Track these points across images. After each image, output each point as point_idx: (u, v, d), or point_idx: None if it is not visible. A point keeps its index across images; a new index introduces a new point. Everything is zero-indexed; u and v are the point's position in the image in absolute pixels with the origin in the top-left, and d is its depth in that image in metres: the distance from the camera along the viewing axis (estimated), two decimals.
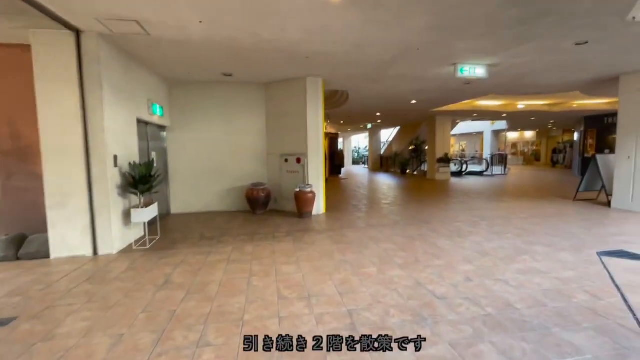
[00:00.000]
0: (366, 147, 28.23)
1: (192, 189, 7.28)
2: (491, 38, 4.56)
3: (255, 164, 7.53)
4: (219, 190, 7.40)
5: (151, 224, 5.34)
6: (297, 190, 6.50)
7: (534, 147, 28.72)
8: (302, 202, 6.47)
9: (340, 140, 28.01)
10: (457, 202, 8.34)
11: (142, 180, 4.66)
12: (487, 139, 26.03)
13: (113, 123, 4.48)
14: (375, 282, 3.33)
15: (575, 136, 17.17)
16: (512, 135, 28.61)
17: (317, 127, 6.85)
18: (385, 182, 14.02)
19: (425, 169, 16.42)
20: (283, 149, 7.23)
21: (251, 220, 6.43)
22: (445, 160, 14.46)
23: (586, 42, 4.73)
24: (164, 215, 6.96)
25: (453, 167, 15.95)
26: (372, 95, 9.19)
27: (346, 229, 5.60)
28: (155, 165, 5.15)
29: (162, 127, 6.83)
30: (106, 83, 4.33)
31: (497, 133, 26.01)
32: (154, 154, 6.36)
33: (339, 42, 4.66)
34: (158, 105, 6.19)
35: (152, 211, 4.94)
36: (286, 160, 7.18)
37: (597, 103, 13.05)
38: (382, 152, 22.95)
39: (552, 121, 18.42)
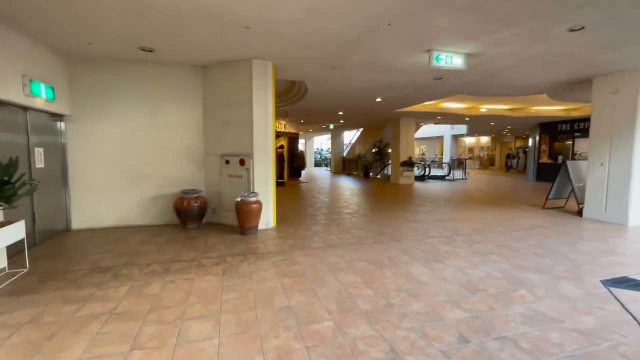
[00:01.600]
0: (329, 149, 27.36)
1: (102, 197, 5.63)
2: (478, 12, 3.63)
3: (190, 166, 6.06)
4: (141, 199, 5.83)
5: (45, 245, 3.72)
6: (239, 200, 5.18)
7: (489, 152, 29.79)
8: (245, 215, 5.15)
9: (302, 141, 26.86)
10: (426, 210, 7.51)
11: None
12: (447, 143, 26.41)
13: None
14: (330, 355, 2.16)
15: (530, 142, 17.58)
16: (469, 141, 29.43)
17: (265, 122, 5.58)
18: (348, 186, 13.07)
19: (389, 173, 15.79)
20: (224, 148, 5.86)
21: (177, 239, 4.98)
22: (410, 164, 13.87)
23: (582, 28, 3.99)
24: (60, 232, 5.25)
25: (417, 171, 15.48)
26: (333, 90, 8.12)
27: (298, 251, 4.40)
28: (17, 168, 3.54)
29: (56, 116, 5.13)
30: None
31: (456, 138, 26.49)
32: (40, 152, 4.67)
33: (288, 5, 3.46)
34: (44, 85, 4.53)
35: (6, 235, 3.34)
36: (227, 162, 5.82)
37: (554, 110, 13.21)
38: (345, 154, 22.15)
39: (509, 127, 18.80)
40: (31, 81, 4.24)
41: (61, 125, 5.28)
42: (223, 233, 5.37)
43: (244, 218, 5.17)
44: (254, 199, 5.22)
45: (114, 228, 5.64)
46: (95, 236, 5.14)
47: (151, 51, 4.96)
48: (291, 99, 9.66)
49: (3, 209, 3.49)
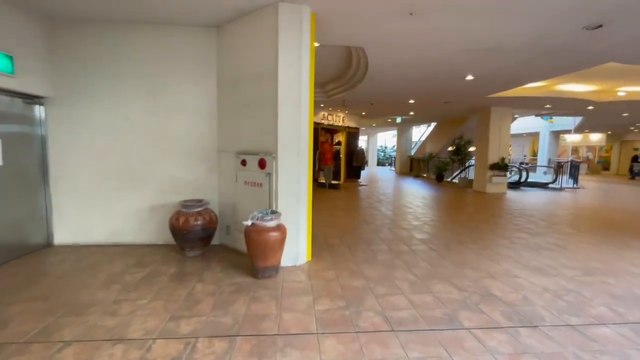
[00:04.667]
0: (393, 146, 24.53)
1: (91, 204, 4.31)
2: None
3: (198, 166, 4.42)
4: (136, 208, 4.37)
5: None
6: (248, 223, 3.31)
7: (602, 153, 23.67)
8: (257, 247, 3.27)
9: (363, 137, 24.55)
10: (550, 244, 4.77)
11: None
12: (544, 141, 21.40)
13: None
14: None
15: None
16: (572, 138, 23.64)
17: (298, 103, 3.62)
18: (418, 193, 10.49)
19: (470, 177, 12.66)
20: (240, 142, 4.07)
21: (158, 278, 3.33)
22: (502, 167, 10.68)
23: None
24: (36, 247, 4.04)
25: (509, 176, 12.06)
26: (404, 64, 5.79)
27: (334, 335, 2.35)
28: None
29: (30, 98, 3.89)
30: None
31: (557, 134, 21.31)
32: None
33: None
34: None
35: None
36: (243, 163, 4.01)
37: None
38: (412, 153, 19.25)
39: None
40: None
41: (38, 111, 4.05)
42: (228, 268, 3.58)
43: (255, 252, 3.30)
44: (272, 223, 3.30)
45: (102, 246, 4.28)
46: (66, 259, 3.78)
47: None
48: (348, 81, 7.57)
49: None
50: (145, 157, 4.32)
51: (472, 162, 12.69)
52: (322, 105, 10.87)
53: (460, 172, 13.65)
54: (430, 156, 15.62)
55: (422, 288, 3.20)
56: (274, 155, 3.62)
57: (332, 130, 13.25)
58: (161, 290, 3.03)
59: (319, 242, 4.51)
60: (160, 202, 4.37)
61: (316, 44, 4.26)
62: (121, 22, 4.09)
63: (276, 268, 3.44)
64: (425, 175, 16.17)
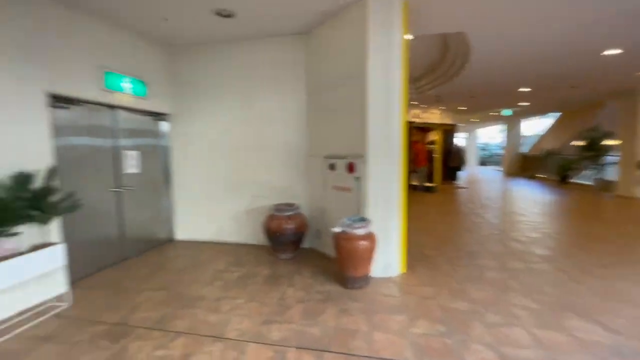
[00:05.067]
0: (500, 143, 21.52)
1: (201, 207, 4.88)
2: None
3: (288, 172, 4.55)
4: (235, 211, 4.76)
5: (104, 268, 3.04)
6: (337, 231, 3.20)
7: None
8: (346, 256, 3.13)
9: (460, 135, 22.29)
10: None
11: None
12: None
13: None
14: None
15: None
16: None
17: (387, 105, 3.35)
18: (535, 197, 8.85)
19: (610, 178, 10.06)
20: (329, 146, 4.02)
21: (254, 278, 3.50)
22: None
23: None
24: (163, 242, 4.78)
25: None
26: (520, 43, 4.88)
27: None
28: (52, 179, 2.78)
29: (156, 115, 4.63)
30: None
31: None
32: (134, 155, 4.17)
33: None
34: (129, 78, 3.94)
35: (19, 269, 2.56)
36: (332, 167, 3.94)
37: None
38: (523, 149, 16.50)
39: None
40: (106, 73, 3.64)
41: (163, 126, 4.79)
42: (318, 274, 3.54)
43: (344, 261, 3.16)
44: (361, 231, 3.11)
45: (211, 243, 4.80)
46: (182, 255, 4.34)
47: (230, 16, 3.63)
48: (444, 74, 6.87)
49: (43, 225, 2.80)
50: (241, 164, 4.67)
51: (610, 158, 10.08)
52: (414, 102, 10.19)
53: (594, 171, 10.98)
54: (548, 154, 13.07)
55: (549, 321, 2.55)
56: (363, 158, 3.43)
57: (425, 129, 12.33)
58: (256, 292, 3.15)
59: (414, 253, 4.12)
60: (255, 205, 4.66)
61: (408, 37, 3.91)
62: (222, 42, 4.51)
63: (366, 279, 3.24)
64: (542, 176, 13.63)
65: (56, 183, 2.90)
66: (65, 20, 3.21)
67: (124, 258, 4.11)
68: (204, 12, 3.55)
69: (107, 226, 3.89)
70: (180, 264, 3.99)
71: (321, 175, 4.16)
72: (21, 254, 2.59)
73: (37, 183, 2.75)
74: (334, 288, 3.21)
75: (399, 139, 3.41)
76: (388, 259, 3.46)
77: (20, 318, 2.68)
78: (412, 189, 10.44)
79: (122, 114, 4.04)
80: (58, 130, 3.20)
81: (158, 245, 4.70)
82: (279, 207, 4.10)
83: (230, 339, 2.37)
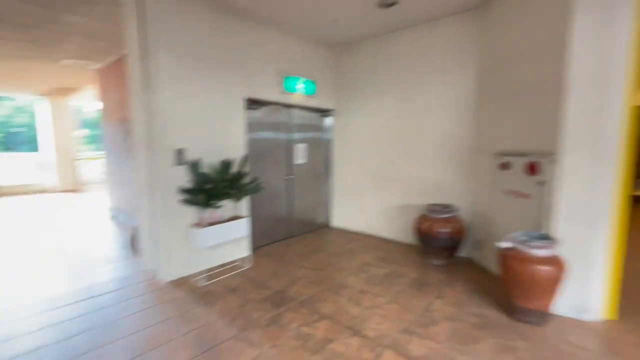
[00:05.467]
0: None
1: (353, 198, 5.09)
2: None
3: (447, 167, 4.05)
4: (386, 206, 4.68)
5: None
6: (507, 246, 2.57)
7: None
8: (517, 281, 2.48)
9: None
10: None
11: (201, 188, 3.18)
12: None
13: (180, 104, 3.26)
14: None
15: None
16: None
17: (602, 79, 2.37)
18: None
19: None
20: (501, 140, 3.28)
21: (400, 279, 3.33)
22: None
23: None
24: (320, 226, 5.31)
25: None
26: None
27: None
28: (231, 168, 3.50)
29: (322, 111, 5.09)
30: (165, 49, 3.12)
31: None
32: (301, 148, 4.78)
33: None
34: (302, 80, 4.48)
35: (220, 233, 3.37)
36: (504, 167, 3.20)
37: None
38: None
39: None
40: (285, 78, 4.24)
41: (325, 121, 5.22)
42: (474, 292, 3.00)
43: (513, 285, 2.52)
44: (542, 252, 2.39)
45: (361, 234, 4.95)
46: (335, 241, 4.66)
47: (393, 4, 3.47)
48: None
49: (236, 202, 3.60)
50: (395, 158, 4.51)
51: None
52: None
53: None
54: None
55: None
56: (552, 156, 2.60)
57: None
58: (399, 294, 2.99)
59: (633, 295, 2.86)
60: (407, 202, 4.42)
61: None
62: (382, 35, 4.42)
63: (543, 314, 2.49)
64: None
65: (246, 169, 3.65)
66: (256, 35, 3.93)
67: (290, 236, 4.80)
68: (367, 6, 3.56)
69: (280, 207, 4.63)
70: (333, 249, 4.30)
71: (489, 175, 3.48)
72: (223, 221, 3.42)
73: (235, 169, 3.54)
74: (494, 314, 2.64)
75: (619, 131, 2.38)
76: (585, 297, 2.53)
77: (220, 269, 3.56)
78: (636, 202, 7.39)
79: (295, 112, 4.66)
80: (249, 127, 4.00)
81: (316, 228, 5.24)
82: (433, 208, 3.72)
83: (368, 337, 2.33)
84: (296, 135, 4.72)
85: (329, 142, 5.27)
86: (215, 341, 2.30)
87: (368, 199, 4.88)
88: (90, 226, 5.51)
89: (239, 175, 3.49)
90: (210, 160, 3.45)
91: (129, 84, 3.46)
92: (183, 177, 3.27)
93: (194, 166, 3.22)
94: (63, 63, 5.84)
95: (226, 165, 3.42)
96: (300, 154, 4.83)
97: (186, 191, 3.13)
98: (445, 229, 3.56)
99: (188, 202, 3.16)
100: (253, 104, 4.04)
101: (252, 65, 3.89)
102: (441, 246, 3.61)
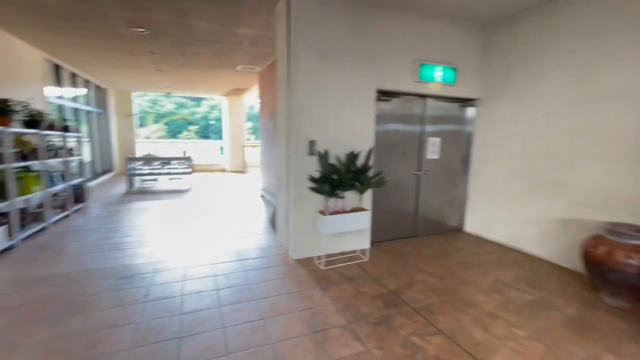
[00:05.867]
0: None
1: (496, 202, 4.31)
2: None
3: None
4: (541, 217, 3.74)
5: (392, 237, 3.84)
6: None
7: None
8: None
9: None
10: None
11: (327, 178, 3.34)
12: None
13: (315, 97, 3.49)
14: None
15: None
16: None
17: None
18: None
19: None
20: None
21: (554, 314, 2.62)
22: None
23: None
24: (450, 230, 4.79)
25: None
26: None
27: None
28: (357, 161, 3.48)
29: (462, 101, 4.48)
30: (304, 46, 3.37)
31: None
32: (435, 142, 4.39)
33: None
34: (441, 67, 4.05)
35: (342, 223, 3.46)
36: None
37: None
38: None
39: None
40: (421, 66, 3.92)
41: (468, 112, 4.57)
42: None
43: None
44: None
45: (500, 245, 4.18)
46: (467, 249, 4.09)
47: None
48: None
49: (360, 194, 3.64)
50: (561, 158, 3.51)
51: None
52: None
53: None
54: None
55: None
56: None
57: None
58: (547, 332, 2.37)
59: None
60: (573, 216, 3.41)
61: None
62: (546, 5, 3.44)
63: None
64: None
65: (371, 162, 3.62)
66: (391, 24, 3.76)
67: (413, 235, 4.52)
68: None
69: (405, 203, 4.41)
70: (462, 257, 3.79)
71: None
72: (345, 212, 3.52)
73: (360, 161, 3.56)
74: None
75: None
76: None
77: (340, 257, 3.71)
78: None
79: (430, 102, 4.27)
80: (378, 119, 3.93)
81: (445, 231, 4.74)
82: (617, 229, 2.73)
83: None
84: (429, 128, 4.34)
85: (469, 135, 4.61)
86: (325, 325, 2.41)
87: (515, 205, 4.04)
88: (247, 201, 6.75)
89: (364, 169, 3.49)
90: (338, 152, 3.59)
91: (277, 81, 3.96)
92: (313, 167, 3.53)
93: (323, 157, 3.41)
94: (237, 69, 7.24)
95: (352, 157, 3.48)
96: (433, 148, 4.42)
97: (314, 180, 3.37)
98: (634, 260, 2.56)
99: (315, 190, 3.40)
100: (384, 95, 3.93)
101: (385, 55, 3.77)
102: (624, 282, 2.62)
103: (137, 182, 8.50)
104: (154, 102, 25.44)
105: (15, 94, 4.48)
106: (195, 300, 2.73)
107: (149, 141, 17.76)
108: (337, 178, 3.34)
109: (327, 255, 3.68)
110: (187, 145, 17.45)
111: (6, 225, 3.75)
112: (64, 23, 4.53)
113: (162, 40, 5.25)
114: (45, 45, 5.65)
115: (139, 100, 20.48)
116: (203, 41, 5.30)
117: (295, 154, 3.53)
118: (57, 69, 6.84)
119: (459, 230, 4.84)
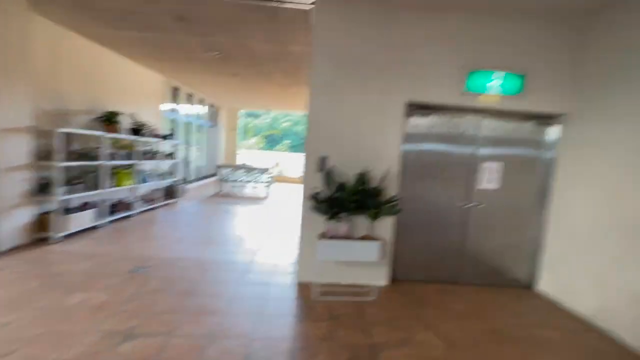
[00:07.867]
0: None
1: (585, 258, 3.07)
2: None
3: None
4: None
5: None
6: None
7: None
8: None
9: None
10: None
11: (326, 197, 3.03)
12: None
13: (330, 110, 3.25)
14: None
15: None
16: None
17: None
18: None
19: None
20: None
21: None
22: None
23: None
24: (516, 284, 3.66)
25: None
26: None
27: None
28: (368, 183, 3.00)
29: (539, 118, 3.43)
30: (323, 56, 3.19)
31: None
32: (492, 167, 3.51)
33: None
34: (498, 74, 3.21)
35: (340, 250, 3.04)
36: None
37: None
38: None
39: None
40: (469, 74, 3.20)
41: (547, 132, 3.46)
42: None
43: None
44: None
45: (582, 320, 2.93)
46: (535, 316, 3.02)
47: None
48: None
49: (372, 220, 3.18)
50: None
51: None
52: None
53: None
54: None
55: None
56: None
57: None
58: None
59: None
60: None
61: None
62: None
63: None
64: None
65: (393, 186, 3.12)
66: (428, 25, 3.20)
67: (454, 281, 3.63)
68: None
69: (446, 241, 3.60)
70: (506, 324, 2.82)
71: None
72: (348, 238, 3.11)
73: (374, 183, 3.11)
74: None
75: None
76: None
77: (343, 289, 3.27)
78: None
79: (484, 119, 3.43)
80: (408, 137, 3.37)
81: (506, 285, 3.64)
82: None
83: None
84: (484, 150, 3.48)
85: (549, 163, 3.49)
86: None
87: (612, 267, 2.79)
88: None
89: (376, 191, 3.04)
90: (353, 172, 3.22)
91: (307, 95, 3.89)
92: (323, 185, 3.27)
93: (329, 174, 3.13)
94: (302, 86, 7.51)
95: (362, 177, 3.08)
96: (490, 176, 3.52)
97: (312, 197, 3.11)
98: None
99: (315, 209, 3.12)
100: (417, 108, 3.36)
101: (419, 63, 3.24)
102: None
103: (226, 187, 9.67)
104: (255, 117, 28.15)
105: (140, 110, 5.79)
106: None
107: (248, 152, 20.00)
108: (336, 198, 2.99)
109: (330, 285, 3.30)
110: (279, 156, 18.94)
111: (96, 209, 4.77)
112: (160, 51, 5.59)
113: (234, 62, 5.90)
114: (161, 70, 7.10)
115: (245, 117, 23.20)
116: (269, 61, 5.70)
117: (309, 169, 3.35)
118: (175, 90, 8.51)
119: (527, 287, 3.65)
